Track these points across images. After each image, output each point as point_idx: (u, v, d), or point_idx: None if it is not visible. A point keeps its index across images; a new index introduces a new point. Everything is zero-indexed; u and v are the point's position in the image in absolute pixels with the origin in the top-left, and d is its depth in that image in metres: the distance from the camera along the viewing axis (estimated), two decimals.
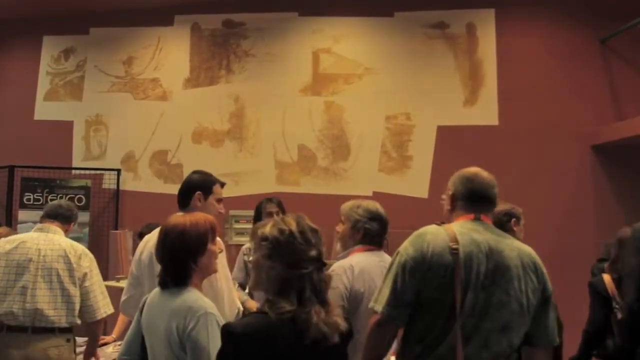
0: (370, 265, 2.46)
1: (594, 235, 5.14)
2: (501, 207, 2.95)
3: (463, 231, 1.91)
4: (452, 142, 5.52)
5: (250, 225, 5.72)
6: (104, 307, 2.98)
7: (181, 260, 1.92)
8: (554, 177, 5.40)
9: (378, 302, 1.90)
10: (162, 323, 1.87)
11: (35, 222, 4.09)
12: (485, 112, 5.57)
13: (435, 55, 5.69)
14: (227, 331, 1.56)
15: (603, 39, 5.48)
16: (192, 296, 1.90)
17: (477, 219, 1.98)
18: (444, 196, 2.15)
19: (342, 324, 1.59)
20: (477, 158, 5.28)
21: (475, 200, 2.01)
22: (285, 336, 1.53)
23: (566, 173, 5.43)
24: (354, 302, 2.36)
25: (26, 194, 5.81)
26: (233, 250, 5.70)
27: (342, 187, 5.66)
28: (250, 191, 5.78)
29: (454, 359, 1.79)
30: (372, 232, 2.63)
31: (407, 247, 1.91)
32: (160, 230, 1.99)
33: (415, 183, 5.55)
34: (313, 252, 1.61)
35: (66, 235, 3.09)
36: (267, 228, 1.65)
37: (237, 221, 5.73)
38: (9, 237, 3.02)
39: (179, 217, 2.02)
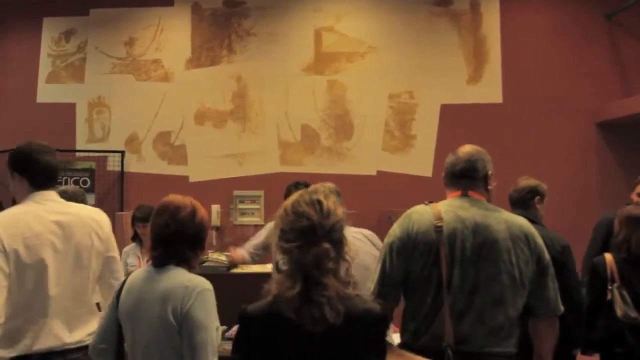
0: None
1: (600, 212, 5.14)
2: (525, 183, 2.96)
3: (449, 209, 1.95)
4: (455, 120, 5.51)
5: (254, 206, 5.75)
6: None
7: (190, 239, 1.91)
8: (559, 155, 5.39)
9: (372, 282, 1.96)
10: (153, 308, 1.82)
11: None
12: (489, 90, 5.54)
13: (439, 32, 5.64)
14: (239, 314, 1.57)
15: (609, 15, 5.42)
16: (185, 275, 1.87)
17: (464, 195, 2.01)
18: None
19: (326, 311, 1.46)
20: (481, 136, 5.29)
21: (457, 176, 2.05)
22: (282, 318, 1.49)
23: (571, 150, 5.42)
24: None
25: None
26: (238, 231, 5.74)
27: (345, 166, 5.66)
28: (253, 171, 5.80)
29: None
30: None
31: (394, 229, 1.99)
32: (165, 209, 1.93)
33: (419, 162, 5.55)
34: (302, 223, 1.51)
35: None
36: (279, 209, 1.63)
37: (241, 201, 5.76)
38: None
39: (183, 197, 1.98)
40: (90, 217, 2.32)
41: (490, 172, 2.07)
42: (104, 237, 2.31)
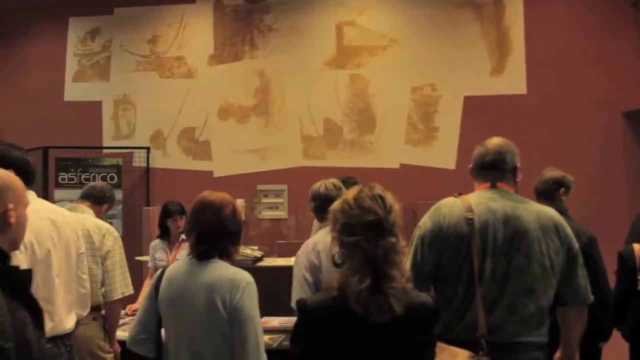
0: (322, 240, 2.49)
1: (627, 203, 5.08)
2: (551, 174, 2.94)
3: (479, 201, 1.96)
4: (479, 112, 5.47)
5: (277, 200, 5.81)
6: (122, 287, 2.98)
7: (232, 234, 2.01)
8: (585, 146, 5.33)
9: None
10: (199, 298, 1.91)
11: (70, 201, 4.20)
12: (512, 81, 5.49)
13: (461, 24, 5.61)
14: (300, 307, 1.60)
15: (635, 2, 5.32)
16: (229, 269, 1.96)
17: (493, 187, 2.02)
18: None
19: (393, 302, 1.50)
20: (505, 128, 5.24)
21: (486, 168, 2.05)
22: (349, 310, 1.52)
23: (597, 141, 5.34)
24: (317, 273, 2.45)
25: (60, 173, 5.96)
26: (262, 225, 5.80)
27: (368, 160, 5.67)
28: (277, 166, 5.85)
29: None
30: (314, 211, 2.73)
31: (425, 221, 2.00)
32: (208, 206, 2.01)
33: (442, 154, 5.54)
34: (369, 217, 1.55)
35: (101, 217, 3.13)
36: (335, 203, 1.67)
37: (265, 196, 5.81)
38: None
39: (221, 195, 2.08)
40: (69, 215, 2.51)
41: (518, 165, 2.07)
42: (79, 234, 2.53)
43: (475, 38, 5.57)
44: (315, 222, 4.08)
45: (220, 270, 1.95)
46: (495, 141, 2.08)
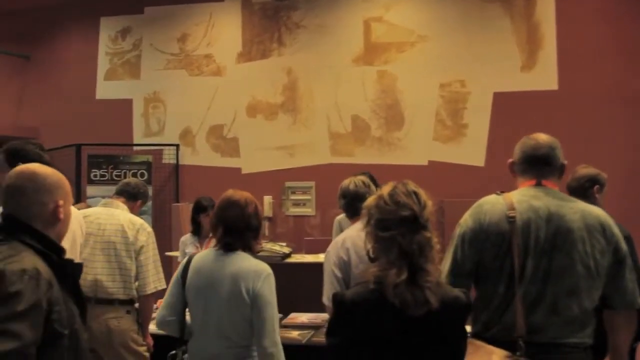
0: (352, 237, 2.51)
1: None
2: (584, 171, 2.89)
3: (522, 199, 1.91)
4: (509, 108, 5.39)
5: (305, 197, 5.83)
6: (154, 282, 3.03)
7: (254, 229, 2.25)
8: (617, 143, 5.20)
9: (442, 273, 1.95)
10: (226, 285, 2.14)
11: (102, 197, 4.28)
12: (543, 77, 5.39)
13: (491, 19, 5.52)
14: (337, 300, 1.64)
15: None
16: (252, 260, 2.21)
17: (538, 185, 1.96)
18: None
19: (429, 296, 1.54)
20: (536, 124, 5.14)
21: (532, 164, 2.00)
22: (386, 303, 1.56)
23: (631, 138, 5.21)
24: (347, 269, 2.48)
25: (92, 170, 6.09)
26: (290, 221, 5.83)
27: (396, 157, 5.65)
28: (305, 163, 5.87)
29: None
30: (343, 208, 2.73)
31: (466, 219, 1.97)
32: (235, 204, 2.22)
33: (471, 151, 5.47)
34: (404, 213, 1.59)
35: (135, 213, 3.18)
36: (369, 199, 1.72)
37: (292, 192, 5.84)
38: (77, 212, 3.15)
39: (245, 193, 2.28)
40: (74, 209, 2.66)
41: (565, 162, 2.02)
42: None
43: (505, 33, 5.49)
44: (336, 221, 4.10)
45: (244, 261, 2.19)
46: (544, 136, 2.02)
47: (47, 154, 2.55)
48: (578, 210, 1.90)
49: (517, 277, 1.83)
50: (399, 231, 1.58)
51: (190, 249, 4.14)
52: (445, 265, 1.95)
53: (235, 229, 2.21)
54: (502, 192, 1.98)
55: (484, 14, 5.54)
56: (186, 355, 2.31)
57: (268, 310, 2.12)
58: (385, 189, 1.67)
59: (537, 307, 1.83)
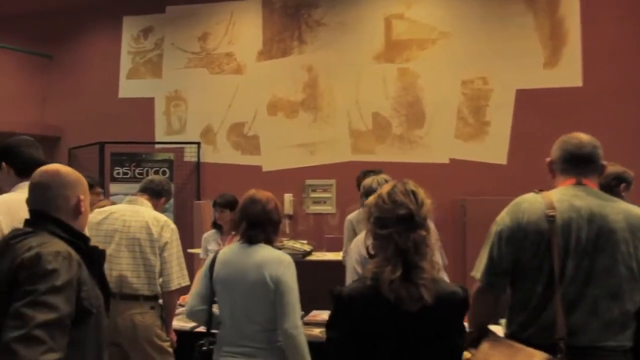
0: None
1: None
2: (611, 169, 2.84)
3: (563, 198, 1.87)
4: (532, 105, 5.33)
5: (326, 194, 5.82)
6: (178, 278, 3.03)
7: (274, 224, 2.46)
8: None
9: (477, 271, 1.93)
10: (251, 273, 2.33)
11: (125, 195, 4.32)
12: (567, 73, 5.31)
13: (513, 15, 5.46)
14: (336, 295, 1.71)
15: None
16: (274, 251, 2.43)
17: (578, 184, 1.92)
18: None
19: (423, 292, 1.60)
20: (560, 122, 5.11)
21: (572, 163, 1.95)
22: (382, 298, 1.63)
23: None
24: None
25: (115, 168, 6.17)
26: (310, 219, 5.84)
27: (417, 154, 5.61)
28: (325, 160, 5.86)
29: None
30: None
31: (503, 217, 1.92)
32: (257, 201, 2.44)
33: (493, 149, 5.42)
34: (401, 211, 1.65)
35: (159, 210, 3.20)
36: (370, 198, 1.79)
37: (313, 190, 5.84)
38: (102, 209, 3.18)
39: (266, 192, 2.52)
40: None
41: (605, 164, 1.98)
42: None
43: (528, 29, 5.41)
44: (347, 220, 4.10)
45: (267, 251, 2.40)
46: (586, 136, 1.97)
47: (39, 151, 2.48)
48: (621, 210, 1.85)
49: (557, 277, 1.78)
50: (396, 229, 1.64)
51: (212, 246, 4.17)
52: (481, 263, 1.92)
53: (257, 223, 2.42)
54: (541, 190, 1.93)
55: (507, 10, 5.47)
56: (212, 346, 2.48)
57: (290, 294, 2.30)
58: (385, 188, 1.73)
59: (575, 308, 1.79)
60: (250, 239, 2.41)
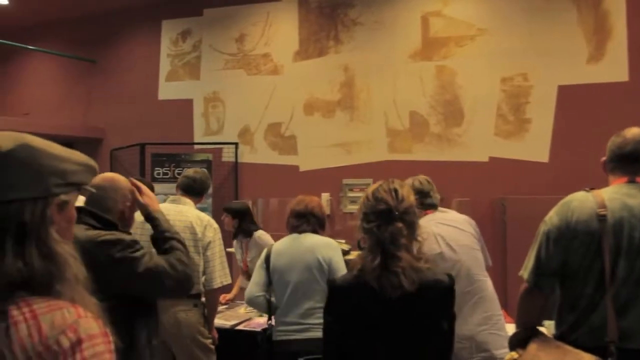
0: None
1: None
2: None
3: (615, 196, 1.82)
4: (575, 102, 5.19)
5: (362, 194, 5.80)
6: (220, 277, 3.07)
7: (317, 217, 2.92)
8: None
9: (525, 270, 1.90)
10: (306, 257, 2.74)
11: (165, 195, 4.40)
12: (613, 68, 5.15)
13: (554, 10, 5.32)
14: (330, 285, 1.94)
15: None
16: (321, 238, 2.87)
17: (631, 182, 1.86)
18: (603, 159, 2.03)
19: (402, 279, 1.74)
20: (605, 118, 4.97)
21: (619, 162, 1.90)
22: (366, 287, 1.79)
23: None
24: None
25: (156, 168, 6.29)
26: (347, 219, 5.82)
27: (456, 153, 5.54)
28: (362, 160, 5.84)
29: (607, 330, 1.73)
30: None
31: (552, 216, 1.88)
32: (299, 199, 2.95)
33: (534, 147, 5.30)
34: (380, 207, 1.81)
35: (197, 206, 3.26)
36: (362, 196, 1.98)
37: (350, 189, 5.83)
38: None
39: (311, 196, 3.00)
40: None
41: None
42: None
43: (570, 24, 5.27)
44: None
45: (316, 238, 2.84)
46: (635, 131, 1.92)
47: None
48: None
49: (608, 278, 1.73)
50: (376, 223, 1.80)
51: (238, 253, 4.29)
52: (529, 263, 1.89)
53: (301, 215, 2.88)
54: (592, 188, 1.88)
55: (548, 5, 5.34)
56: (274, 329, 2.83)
57: (340, 273, 2.62)
58: (372, 188, 1.91)
59: (628, 311, 1.74)
60: (295, 229, 2.86)
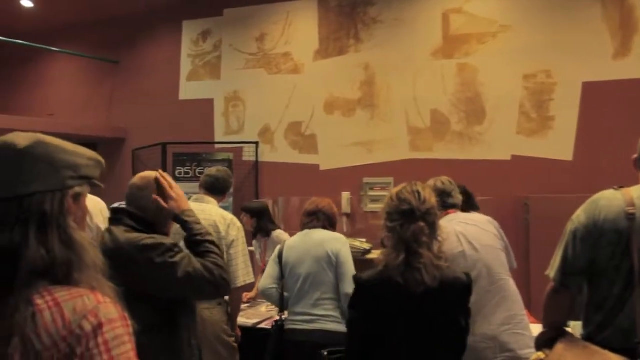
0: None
1: None
2: None
3: None
4: (600, 99, 5.10)
5: (384, 193, 5.77)
6: (244, 275, 3.06)
7: (327, 214, 3.11)
8: None
9: (551, 270, 1.87)
10: (316, 250, 2.91)
11: (187, 194, 4.43)
12: (639, 64, 5.05)
13: (579, 6, 5.23)
14: (356, 280, 2.03)
15: None
16: (330, 233, 3.04)
17: None
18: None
19: (424, 275, 1.87)
20: (631, 115, 4.88)
21: None
22: (391, 282, 1.91)
23: None
24: None
25: (177, 168, 6.34)
26: (368, 218, 5.81)
27: (478, 152, 5.48)
28: (383, 159, 5.82)
29: (635, 330, 1.69)
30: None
31: (579, 215, 1.85)
32: (311, 200, 3.19)
33: (558, 145, 5.22)
34: (404, 207, 1.95)
35: (220, 204, 3.27)
36: (386, 197, 2.11)
37: (371, 188, 5.81)
38: None
39: (325, 198, 3.21)
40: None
41: None
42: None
43: (595, 20, 5.18)
44: None
45: (325, 233, 3.02)
46: None
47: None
48: None
49: (637, 278, 1.70)
50: (399, 222, 1.93)
51: (257, 251, 4.30)
52: (555, 262, 1.86)
53: (313, 214, 3.08)
54: (621, 187, 1.84)
55: (571, 1, 5.26)
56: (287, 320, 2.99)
57: (349, 264, 2.87)
58: (396, 189, 2.04)
59: None
60: (306, 226, 3.06)
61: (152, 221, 2.00)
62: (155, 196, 1.99)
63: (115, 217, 2.02)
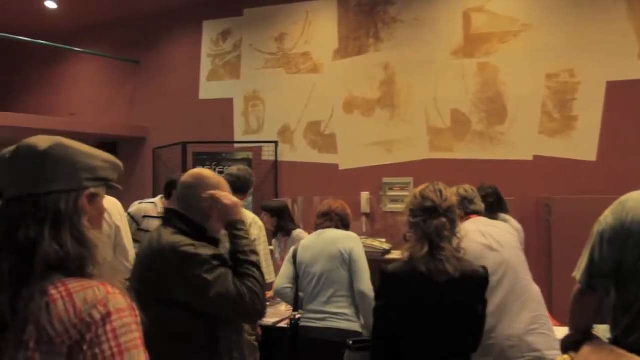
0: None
1: None
2: None
3: None
4: (625, 98, 5.02)
5: (403, 193, 5.75)
6: (265, 274, 3.05)
7: (339, 214, 3.15)
8: None
9: (578, 271, 1.84)
10: (329, 249, 2.95)
11: None
12: None
13: (603, 4, 5.15)
14: (382, 272, 2.15)
15: None
16: (344, 232, 3.08)
17: None
18: None
19: (447, 266, 2.03)
20: None
21: None
22: (416, 272, 2.07)
23: None
24: None
25: (197, 167, 6.38)
26: (388, 218, 5.79)
27: (499, 152, 5.43)
28: (403, 159, 5.79)
29: None
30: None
31: (606, 216, 1.81)
32: (327, 203, 3.21)
33: (581, 145, 5.15)
34: (427, 204, 2.11)
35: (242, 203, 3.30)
36: (408, 195, 2.26)
37: (390, 188, 5.78)
38: None
39: (333, 199, 3.26)
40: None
41: None
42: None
43: (619, 18, 5.09)
44: None
45: (338, 232, 3.07)
46: None
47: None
48: None
49: None
50: (422, 218, 2.09)
51: (277, 249, 4.31)
52: (582, 264, 1.83)
53: (326, 214, 3.14)
54: None
55: None
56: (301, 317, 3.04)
57: (362, 262, 2.92)
58: (419, 188, 2.20)
59: None
60: (319, 226, 3.12)
61: (201, 224, 1.89)
62: (212, 192, 1.89)
63: (166, 217, 1.94)
